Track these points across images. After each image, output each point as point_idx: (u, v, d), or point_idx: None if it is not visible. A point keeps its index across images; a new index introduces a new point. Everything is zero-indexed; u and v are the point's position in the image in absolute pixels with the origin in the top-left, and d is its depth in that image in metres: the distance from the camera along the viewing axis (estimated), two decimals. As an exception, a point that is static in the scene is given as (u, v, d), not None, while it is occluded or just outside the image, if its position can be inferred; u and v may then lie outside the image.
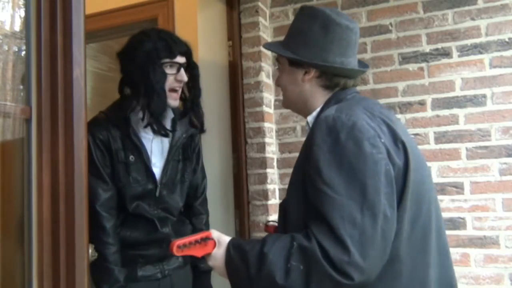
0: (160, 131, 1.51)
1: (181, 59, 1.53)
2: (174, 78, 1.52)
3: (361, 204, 0.94)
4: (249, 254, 1.03)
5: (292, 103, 1.28)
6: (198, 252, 1.14)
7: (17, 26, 0.99)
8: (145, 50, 1.48)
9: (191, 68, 1.60)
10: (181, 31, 2.48)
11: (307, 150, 1.05)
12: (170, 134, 1.60)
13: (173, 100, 1.54)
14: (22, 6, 0.98)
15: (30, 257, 0.92)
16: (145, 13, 2.65)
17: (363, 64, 1.27)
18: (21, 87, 0.96)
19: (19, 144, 0.95)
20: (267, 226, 1.37)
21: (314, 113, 1.21)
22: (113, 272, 1.46)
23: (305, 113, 1.25)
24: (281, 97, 1.37)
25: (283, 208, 1.15)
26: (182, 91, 1.60)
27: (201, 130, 1.68)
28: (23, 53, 0.96)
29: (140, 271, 1.57)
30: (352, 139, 0.98)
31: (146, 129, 1.52)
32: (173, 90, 1.53)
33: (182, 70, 1.53)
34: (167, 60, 1.50)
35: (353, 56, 1.20)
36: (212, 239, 1.14)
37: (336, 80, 1.18)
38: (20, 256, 0.94)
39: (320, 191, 0.98)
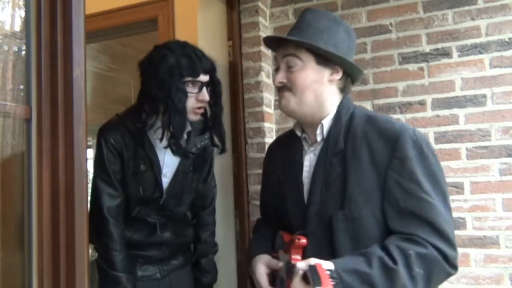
0: (179, 152, 1.47)
1: (204, 78, 1.47)
2: (196, 97, 1.45)
3: (446, 205, 1.10)
4: (373, 275, 1.02)
5: (305, 104, 1.20)
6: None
7: (17, 26, 0.99)
8: (168, 66, 1.41)
9: (214, 85, 1.53)
10: (181, 31, 2.49)
11: (397, 163, 1.10)
12: (184, 144, 1.55)
13: (194, 115, 1.49)
14: (22, 6, 0.98)
15: (30, 257, 0.92)
16: (145, 13, 2.65)
17: None
18: (21, 87, 0.96)
19: (19, 145, 0.95)
20: (298, 240, 1.18)
21: (329, 119, 1.21)
22: (121, 280, 1.45)
23: (314, 116, 1.22)
24: None
25: (353, 218, 1.11)
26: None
27: (223, 149, 1.61)
28: (23, 53, 0.96)
29: (140, 270, 1.57)
30: (430, 151, 1.13)
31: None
32: (195, 109, 1.47)
33: (204, 90, 1.47)
34: (189, 78, 1.43)
35: None
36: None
37: (348, 84, 1.26)
38: (20, 256, 0.94)
39: (421, 199, 1.08)
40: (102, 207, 1.45)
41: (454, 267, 1.09)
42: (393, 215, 1.09)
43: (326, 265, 1.02)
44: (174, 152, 1.46)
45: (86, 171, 1.00)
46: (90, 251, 1.40)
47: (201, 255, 1.72)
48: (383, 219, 1.11)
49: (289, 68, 1.21)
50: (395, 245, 1.05)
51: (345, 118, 1.20)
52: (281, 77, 1.22)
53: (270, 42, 1.32)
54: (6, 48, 0.98)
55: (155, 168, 1.51)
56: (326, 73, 1.20)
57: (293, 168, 1.27)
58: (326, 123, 1.21)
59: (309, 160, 1.24)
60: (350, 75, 1.25)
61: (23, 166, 0.94)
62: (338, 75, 1.21)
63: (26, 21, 0.96)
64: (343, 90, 1.25)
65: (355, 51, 2.14)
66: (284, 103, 1.23)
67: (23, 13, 0.97)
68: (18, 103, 0.95)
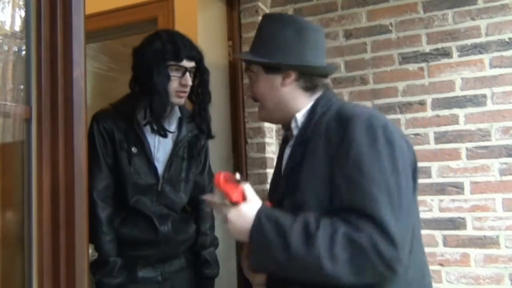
0: (159, 131, 1.52)
1: (188, 64, 1.53)
2: (179, 81, 1.52)
3: (400, 200, 0.98)
4: (291, 233, 0.96)
5: (272, 111, 1.24)
6: (232, 192, 1.02)
7: (17, 26, 0.99)
8: (153, 50, 1.50)
9: (201, 72, 1.60)
10: (181, 31, 2.48)
11: (344, 148, 1.02)
12: (176, 131, 1.61)
13: (178, 99, 1.55)
14: (22, 6, 0.98)
15: (30, 257, 0.92)
16: (145, 13, 2.65)
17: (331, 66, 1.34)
18: (21, 87, 0.96)
19: (19, 144, 0.95)
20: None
21: (304, 111, 1.19)
22: (108, 262, 1.46)
23: (287, 118, 1.22)
24: None
25: (295, 206, 1.06)
26: (192, 94, 1.61)
27: (209, 135, 1.68)
28: (23, 53, 0.96)
29: (140, 272, 1.56)
30: (387, 138, 1.01)
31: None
32: (178, 93, 1.54)
33: (187, 75, 1.53)
34: (172, 62, 1.50)
35: (324, 58, 1.25)
36: (241, 183, 1.02)
37: (315, 81, 1.21)
38: (20, 256, 0.94)
39: (364, 191, 0.98)
40: (91, 189, 1.47)
41: (389, 268, 0.92)
42: (337, 203, 1.01)
43: (248, 189, 1.06)
44: (154, 131, 1.52)
45: (86, 171, 1.00)
46: (90, 251, 1.40)
47: (201, 247, 1.71)
48: (330, 206, 1.03)
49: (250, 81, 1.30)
50: (329, 219, 0.98)
51: (321, 111, 1.17)
52: (249, 90, 1.31)
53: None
54: (6, 48, 0.98)
55: (147, 150, 1.55)
56: (277, 79, 1.21)
57: (277, 166, 1.31)
58: (300, 116, 1.21)
59: (287, 154, 1.23)
60: (308, 73, 1.21)
61: (23, 166, 0.94)
62: (290, 78, 1.20)
63: (26, 21, 0.96)
64: (309, 88, 1.21)
65: (355, 51, 2.16)
66: (258, 113, 1.30)
67: (23, 13, 0.97)
68: (18, 103, 0.95)
